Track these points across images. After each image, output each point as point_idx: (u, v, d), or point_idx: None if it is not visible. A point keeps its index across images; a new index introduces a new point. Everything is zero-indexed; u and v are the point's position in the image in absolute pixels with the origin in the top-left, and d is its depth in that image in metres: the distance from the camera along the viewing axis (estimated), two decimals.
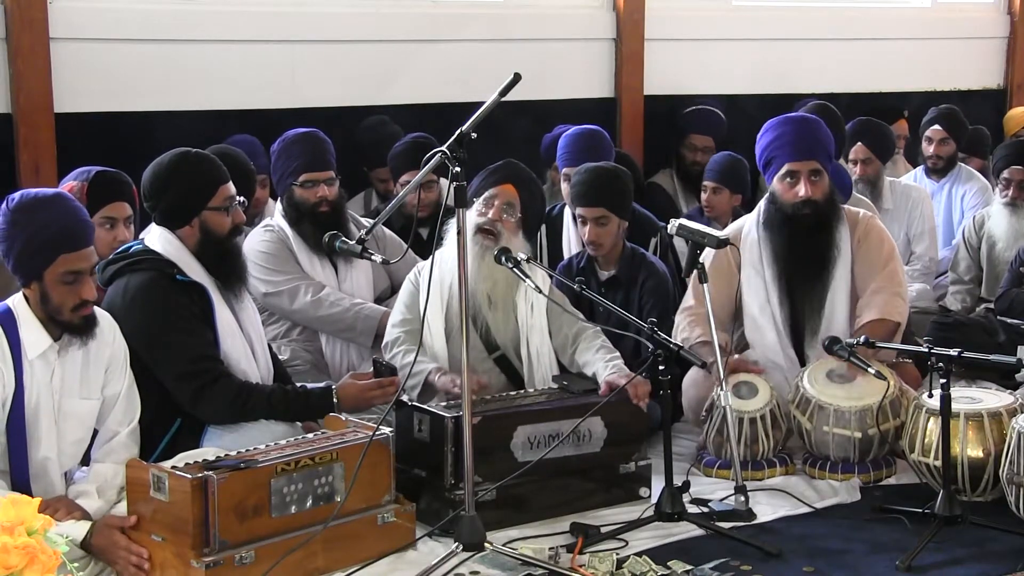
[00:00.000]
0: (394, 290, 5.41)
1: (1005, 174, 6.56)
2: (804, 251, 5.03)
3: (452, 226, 4.36)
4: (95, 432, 3.99)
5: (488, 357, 4.81)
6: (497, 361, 4.83)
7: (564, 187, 5.96)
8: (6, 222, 3.76)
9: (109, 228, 4.74)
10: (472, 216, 4.66)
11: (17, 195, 3.81)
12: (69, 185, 4.75)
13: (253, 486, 3.71)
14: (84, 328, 3.82)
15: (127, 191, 4.83)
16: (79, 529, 3.63)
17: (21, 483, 3.75)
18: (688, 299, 5.08)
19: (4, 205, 3.80)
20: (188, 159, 4.36)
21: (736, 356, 4.90)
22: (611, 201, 5.20)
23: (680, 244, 5.95)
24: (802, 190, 4.98)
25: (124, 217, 4.79)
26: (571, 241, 5.77)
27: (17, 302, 3.80)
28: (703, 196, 6.56)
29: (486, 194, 4.77)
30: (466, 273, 3.84)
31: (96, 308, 3.88)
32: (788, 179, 5.02)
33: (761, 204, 5.17)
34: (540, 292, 4.63)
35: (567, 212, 5.80)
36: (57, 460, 3.85)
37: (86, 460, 4.04)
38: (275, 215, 5.39)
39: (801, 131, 5.06)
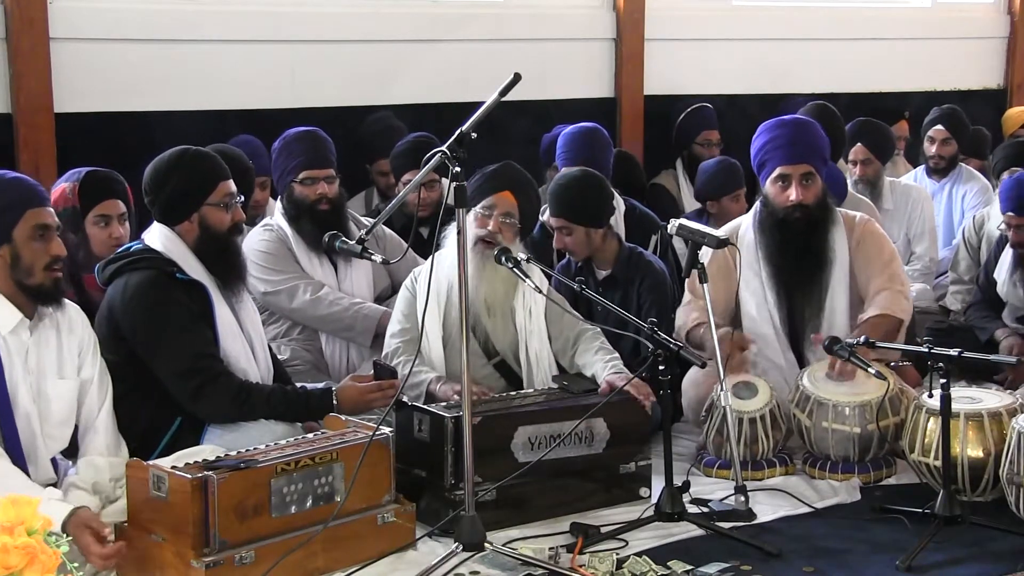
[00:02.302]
0: (394, 290, 5.40)
1: (1005, 176, 6.55)
2: (798, 253, 5.03)
3: (450, 232, 4.36)
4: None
5: (488, 363, 4.81)
6: (496, 367, 4.83)
7: None
8: None
9: (103, 226, 4.76)
10: (471, 225, 4.64)
11: None
12: (61, 187, 4.78)
13: (253, 486, 3.70)
14: (54, 291, 3.82)
15: (119, 188, 4.85)
16: (60, 512, 3.56)
17: (18, 464, 3.73)
18: (686, 298, 5.09)
19: None
20: (188, 154, 4.38)
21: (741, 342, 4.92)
22: (571, 211, 5.19)
23: (679, 244, 5.95)
24: (793, 194, 4.99)
25: (118, 214, 4.80)
26: None
27: None
28: (731, 205, 6.46)
29: (484, 203, 4.73)
30: (466, 273, 3.84)
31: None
32: (780, 183, 5.03)
33: (756, 205, 5.17)
34: (540, 292, 4.63)
35: None
36: (43, 442, 3.84)
37: (74, 452, 4.04)
38: (275, 214, 5.40)
39: (794, 134, 5.06)
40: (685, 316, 5.04)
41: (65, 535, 3.44)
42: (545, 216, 5.70)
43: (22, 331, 3.80)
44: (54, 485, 3.84)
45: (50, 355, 3.87)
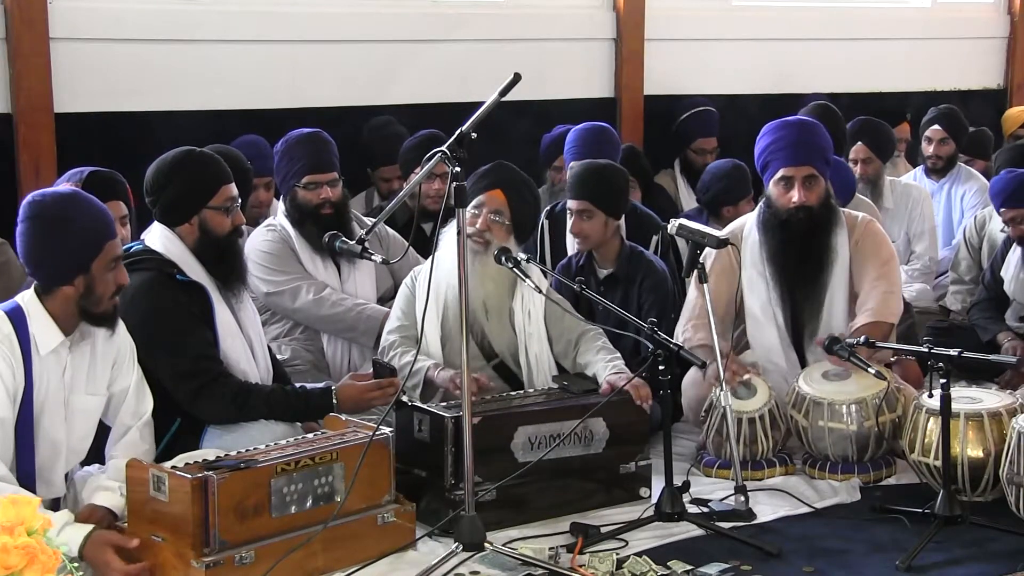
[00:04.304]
0: (397, 290, 5.40)
1: None
2: (800, 254, 5.03)
3: (448, 230, 4.37)
4: (99, 433, 3.99)
5: (487, 364, 4.80)
6: (495, 368, 4.82)
7: None
8: (43, 226, 3.71)
9: None
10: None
11: (37, 201, 3.75)
12: (63, 186, 4.75)
13: (253, 486, 3.71)
14: (113, 317, 3.84)
15: (120, 190, 4.84)
16: (76, 536, 3.58)
17: (26, 483, 3.73)
18: (689, 302, 5.07)
19: (26, 213, 3.75)
20: (192, 156, 4.37)
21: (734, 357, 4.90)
22: (597, 196, 5.19)
23: (682, 243, 5.94)
24: (795, 196, 4.98)
25: (120, 216, 4.79)
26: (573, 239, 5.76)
27: (28, 299, 3.78)
28: (747, 208, 6.42)
29: (474, 202, 4.72)
30: (466, 273, 3.84)
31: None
32: (783, 184, 5.03)
33: (760, 205, 5.17)
34: (539, 291, 4.63)
35: None
36: (64, 456, 3.84)
37: (89, 460, 4.03)
38: (278, 214, 5.39)
39: (797, 136, 5.05)
40: (690, 333, 4.95)
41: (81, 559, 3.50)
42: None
43: (62, 349, 3.80)
44: (61, 499, 3.85)
45: (82, 371, 3.87)
